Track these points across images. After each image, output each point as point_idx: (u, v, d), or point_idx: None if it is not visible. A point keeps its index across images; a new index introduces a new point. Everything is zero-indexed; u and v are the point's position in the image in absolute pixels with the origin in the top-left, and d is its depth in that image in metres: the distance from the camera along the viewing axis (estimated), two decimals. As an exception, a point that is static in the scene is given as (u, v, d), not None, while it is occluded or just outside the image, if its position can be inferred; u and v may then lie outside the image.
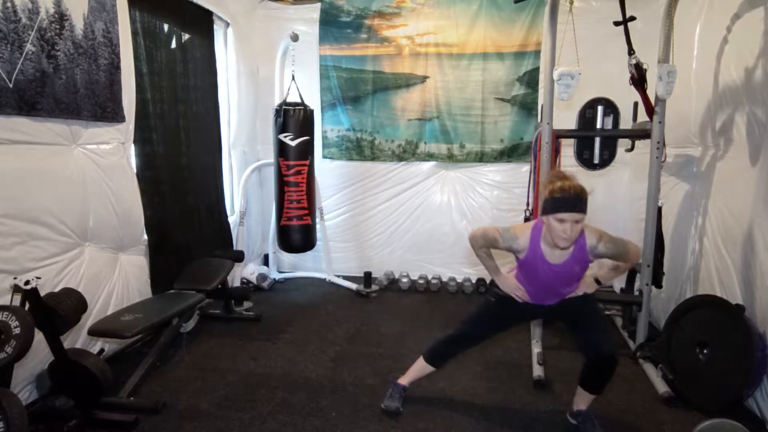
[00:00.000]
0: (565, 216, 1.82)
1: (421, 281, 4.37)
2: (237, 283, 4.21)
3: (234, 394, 2.54)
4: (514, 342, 3.21)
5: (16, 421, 1.78)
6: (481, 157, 4.41)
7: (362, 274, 4.31)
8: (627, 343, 3.14)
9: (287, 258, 4.82)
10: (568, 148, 3.32)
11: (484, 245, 2.14)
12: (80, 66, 2.46)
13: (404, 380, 2.46)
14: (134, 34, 2.92)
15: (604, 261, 2.13)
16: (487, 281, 4.35)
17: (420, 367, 2.44)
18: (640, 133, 2.94)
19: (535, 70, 4.22)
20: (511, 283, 2.18)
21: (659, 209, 2.89)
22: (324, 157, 4.59)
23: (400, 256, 4.63)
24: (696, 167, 3.02)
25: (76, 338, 2.57)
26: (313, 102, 4.34)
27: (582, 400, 2.21)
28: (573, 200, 1.82)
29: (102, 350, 2.70)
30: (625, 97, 3.12)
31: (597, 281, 2.18)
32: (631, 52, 2.71)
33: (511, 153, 4.37)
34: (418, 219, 4.60)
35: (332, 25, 4.41)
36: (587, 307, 2.17)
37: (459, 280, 4.44)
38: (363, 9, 4.37)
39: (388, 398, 2.39)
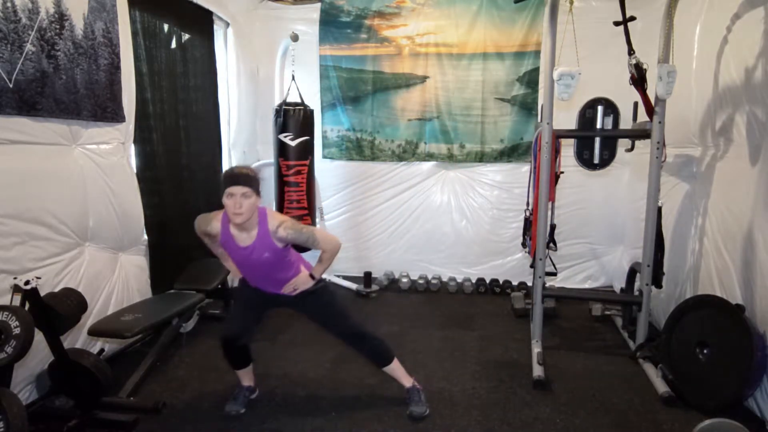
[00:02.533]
0: (231, 189, 1.99)
1: (421, 281, 4.37)
2: (237, 283, 4.20)
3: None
4: (514, 342, 3.21)
5: (16, 421, 1.78)
6: (481, 157, 4.41)
7: (362, 274, 4.31)
8: (627, 343, 3.15)
9: (287, 258, 4.81)
10: (568, 148, 3.32)
11: (200, 233, 2.29)
12: (80, 66, 2.46)
13: (244, 381, 2.46)
14: (134, 34, 2.93)
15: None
16: (487, 281, 4.36)
17: (237, 373, 2.45)
18: (640, 133, 2.94)
19: (535, 70, 4.22)
20: (233, 269, 2.39)
21: (659, 209, 2.89)
22: (324, 157, 4.59)
23: (400, 256, 4.62)
24: (696, 167, 3.02)
25: (76, 338, 2.57)
26: (313, 102, 4.34)
27: (398, 378, 2.44)
28: (236, 176, 2.02)
29: (102, 350, 2.70)
30: (625, 97, 3.12)
31: (312, 276, 2.28)
32: (631, 52, 2.71)
33: (511, 153, 4.37)
34: (418, 219, 4.60)
35: (332, 25, 4.41)
36: (320, 305, 2.35)
37: (459, 280, 4.44)
38: (363, 9, 4.37)
39: (232, 402, 2.39)
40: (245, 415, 2.34)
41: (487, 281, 4.37)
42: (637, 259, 3.23)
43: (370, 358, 2.45)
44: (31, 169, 2.26)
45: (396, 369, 2.43)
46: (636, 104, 3.04)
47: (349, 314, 2.41)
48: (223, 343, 2.32)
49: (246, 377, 2.46)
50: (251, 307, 2.38)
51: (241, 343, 2.34)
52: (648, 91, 2.78)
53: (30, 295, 2.01)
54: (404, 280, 4.39)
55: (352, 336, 2.39)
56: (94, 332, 2.50)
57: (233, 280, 4.10)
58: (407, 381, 2.44)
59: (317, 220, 4.23)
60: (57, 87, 2.32)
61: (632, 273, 3.34)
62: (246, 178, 2.02)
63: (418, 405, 2.35)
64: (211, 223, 2.18)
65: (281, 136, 3.75)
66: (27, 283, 1.99)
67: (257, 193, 2.05)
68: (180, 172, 3.47)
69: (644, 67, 2.71)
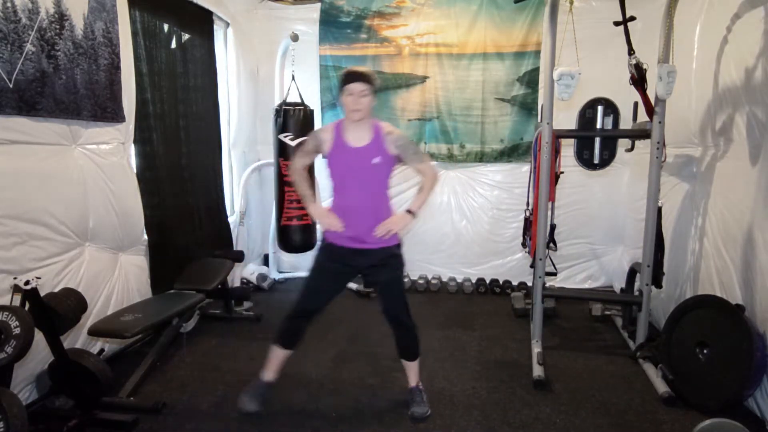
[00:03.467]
0: (350, 87, 2.08)
1: (421, 281, 4.36)
2: (237, 283, 4.21)
3: (234, 394, 2.53)
4: (514, 342, 3.21)
5: (16, 421, 1.78)
6: (481, 157, 4.41)
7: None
8: (627, 343, 3.15)
9: (287, 258, 4.82)
10: (568, 148, 3.32)
11: (301, 161, 2.34)
12: (80, 66, 2.46)
13: (268, 375, 2.42)
14: (134, 34, 2.92)
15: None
16: (487, 281, 4.36)
17: (274, 355, 2.40)
18: (640, 133, 2.94)
19: (535, 70, 4.22)
20: (323, 212, 2.29)
21: (659, 209, 2.89)
22: (324, 157, 4.58)
23: (400, 256, 4.62)
24: (696, 167, 3.02)
25: (76, 338, 2.57)
26: (313, 102, 4.33)
27: (410, 374, 2.44)
28: (355, 74, 2.11)
29: (102, 350, 2.70)
30: (625, 97, 3.12)
31: (409, 212, 2.24)
32: (631, 52, 2.71)
33: (511, 153, 4.37)
34: (418, 219, 4.59)
35: (332, 25, 4.41)
36: (396, 276, 2.31)
37: (459, 280, 4.44)
38: (363, 9, 4.37)
39: (248, 399, 2.35)
40: (245, 416, 2.33)
41: (487, 281, 4.37)
42: (637, 259, 3.23)
43: (406, 346, 2.40)
44: (31, 170, 2.25)
45: (415, 366, 2.43)
46: (636, 104, 3.04)
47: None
48: (295, 315, 2.30)
49: (277, 367, 2.42)
50: (330, 278, 2.31)
51: (311, 318, 2.32)
52: (648, 91, 2.78)
53: (30, 295, 2.01)
54: (404, 280, 4.39)
55: (404, 320, 2.33)
56: (94, 332, 2.50)
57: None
58: (415, 380, 2.44)
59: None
60: (57, 87, 2.32)
61: (632, 273, 3.34)
62: (365, 76, 2.10)
63: (420, 405, 2.35)
64: (324, 131, 2.25)
65: (281, 136, 3.75)
66: (27, 283, 1.99)
67: (374, 93, 2.12)
68: (180, 172, 3.47)
69: (644, 67, 2.71)
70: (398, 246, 2.29)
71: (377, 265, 2.26)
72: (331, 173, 2.26)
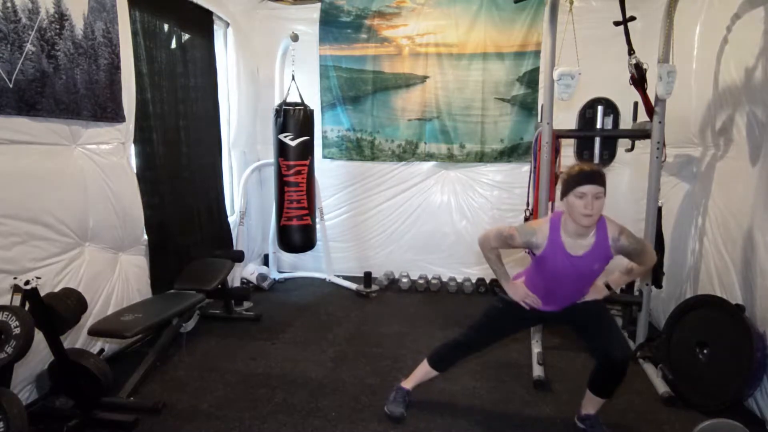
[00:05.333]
0: (585, 189, 1.79)
1: (421, 281, 4.37)
2: (237, 283, 4.20)
3: (234, 394, 2.54)
4: (514, 342, 3.21)
5: (16, 421, 1.78)
6: (481, 157, 4.41)
7: (362, 274, 4.31)
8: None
9: (287, 258, 4.82)
10: (568, 148, 3.32)
11: (497, 245, 2.08)
12: (80, 66, 2.46)
13: (408, 384, 2.42)
14: (134, 34, 2.92)
15: (613, 268, 2.11)
16: (487, 281, 4.36)
17: (424, 371, 2.39)
18: (640, 133, 2.94)
19: (535, 70, 4.22)
20: (521, 291, 2.10)
21: (659, 209, 2.89)
22: (324, 157, 4.59)
23: (400, 256, 4.63)
24: (696, 167, 3.02)
25: (76, 338, 2.57)
26: (313, 102, 4.34)
27: (591, 404, 2.18)
28: (592, 174, 1.82)
29: (102, 350, 2.70)
30: (625, 97, 3.12)
31: (608, 287, 2.10)
32: (631, 52, 2.71)
33: (511, 153, 4.37)
34: (418, 219, 4.60)
35: (332, 25, 4.41)
36: (596, 311, 2.09)
37: (459, 280, 4.44)
38: (363, 9, 4.37)
39: (391, 402, 2.35)
40: (244, 416, 2.34)
41: (488, 281, 4.36)
42: (637, 259, 3.23)
43: (607, 386, 2.08)
44: (31, 169, 2.25)
45: (602, 401, 2.16)
46: (636, 104, 3.04)
47: None
48: (456, 345, 2.29)
49: (420, 382, 2.41)
50: (510, 325, 2.26)
51: (471, 353, 2.33)
52: (648, 91, 2.78)
53: (30, 295, 2.01)
54: (404, 280, 4.39)
55: (621, 360, 1.97)
56: (94, 332, 2.50)
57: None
58: (595, 410, 2.19)
59: (317, 220, 4.23)
60: (57, 87, 2.32)
61: (632, 273, 3.34)
62: (601, 177, 1.83)
63: None
64: (536, 233, 1.95)
65: (281, 136, 3.75)
66: (27, 283, 1.99)
67: (605, 189, 1.85)
68: (180, 172, 3.47)
69: (644, 67, 2.71)
70: None
71: (571, 311, 2.09)
72: (539, 266, 2.03)
